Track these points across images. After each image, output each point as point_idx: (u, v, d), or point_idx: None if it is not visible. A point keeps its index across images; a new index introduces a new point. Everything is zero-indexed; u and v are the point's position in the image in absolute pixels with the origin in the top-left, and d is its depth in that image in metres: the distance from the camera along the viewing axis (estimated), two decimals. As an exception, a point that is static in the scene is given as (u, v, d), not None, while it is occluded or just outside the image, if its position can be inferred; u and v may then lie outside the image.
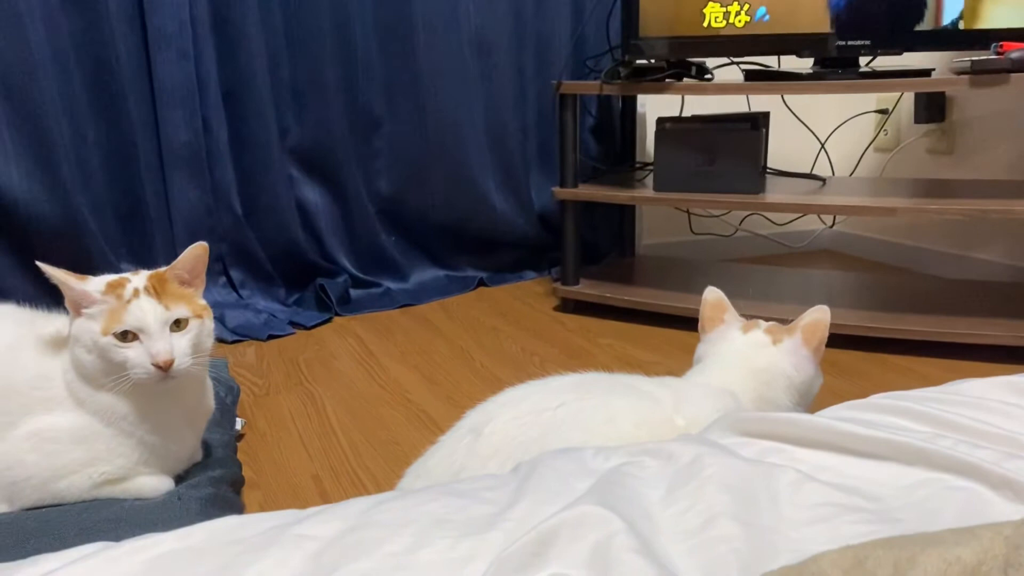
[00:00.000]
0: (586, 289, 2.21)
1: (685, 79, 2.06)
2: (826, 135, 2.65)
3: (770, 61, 2.18)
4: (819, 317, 1.18)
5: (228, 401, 1.47)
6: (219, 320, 2.05)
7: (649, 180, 2.22)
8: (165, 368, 1.04)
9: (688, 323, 1.80)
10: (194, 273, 1.12)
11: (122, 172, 2.07)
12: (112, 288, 1.06)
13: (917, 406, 0.81)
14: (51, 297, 1.12)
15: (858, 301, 2.14)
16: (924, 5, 1.84)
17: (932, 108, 2.45)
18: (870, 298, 2.17)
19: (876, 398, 0.87)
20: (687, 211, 2.73)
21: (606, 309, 2.17)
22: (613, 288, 2.21)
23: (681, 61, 2.04)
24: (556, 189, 2.19)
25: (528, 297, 2.39)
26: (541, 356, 1.90)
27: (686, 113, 2.41)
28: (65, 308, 1.08)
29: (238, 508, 1.19)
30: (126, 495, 1.09)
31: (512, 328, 2.11)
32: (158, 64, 2.01)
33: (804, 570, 0.50)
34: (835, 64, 1.95)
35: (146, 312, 1.04)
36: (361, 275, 2.39)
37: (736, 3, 1.94)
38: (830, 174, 2.61)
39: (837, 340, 1.34)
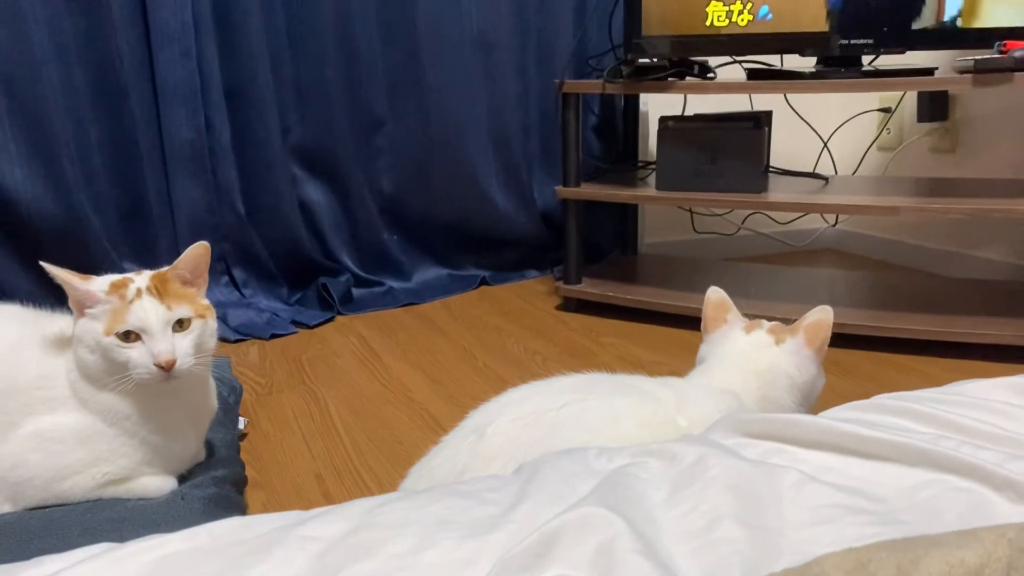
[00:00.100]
0: (588, 288, 2.21)
1: (688, 78, 2.05)
2: (829, 134, 2.65)
3: (773, 60, 2.18)
4: (822, 317, 1.18)
5: (231, 400, 1.47)
6: (222, 319, 2.05)
7: (651, 179, 2.21)
8: (167, 368, 1.04)
9: (690, 322, 1.80)
10: (196, 273, 1.12)
11: (124, 171, 2.07)
12: (115, 288, 1.06)
13: (920, 407, 0.81)
14: (54, 297, 1.12)
15: (861, 300, 2.14)
16: (924, 2, 1.83)
17: (935, 107, 2.44)
18: (873, 297, 2.17)
19: (879, 399, 0.87)
20: (689, 210, 2.73)
21: (608, 308, 2.17)
22: (615, 287, 2.21)
23: (684, 60, 2.04)
24: (558, 188, 2.19)
25: (530, 296, 2.39)
26: (543, 355, 1.90)
27: (689, 112, 2.41)
28: (69, 308, 1.08)
29: (241, 508, 1.19)
30: (130, 495, 1.10)
31: (514, 327, 2.11)
32: (160, 63, 2.01)
33: (807, 572, 0.50)
34: (838, 63, 1.95)
35: (148, 312, 1.04)
36: (363, 274, 2.39)
37: (739, 2, 1.93)
38: (833, 173, 2.61)
39: (839, 339, 1.34)
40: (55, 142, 1.90)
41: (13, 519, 1.04)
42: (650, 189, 2.15)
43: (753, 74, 2.07)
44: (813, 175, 2.31)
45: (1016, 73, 1.67)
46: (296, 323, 2.16)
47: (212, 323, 1.12)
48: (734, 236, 2.80)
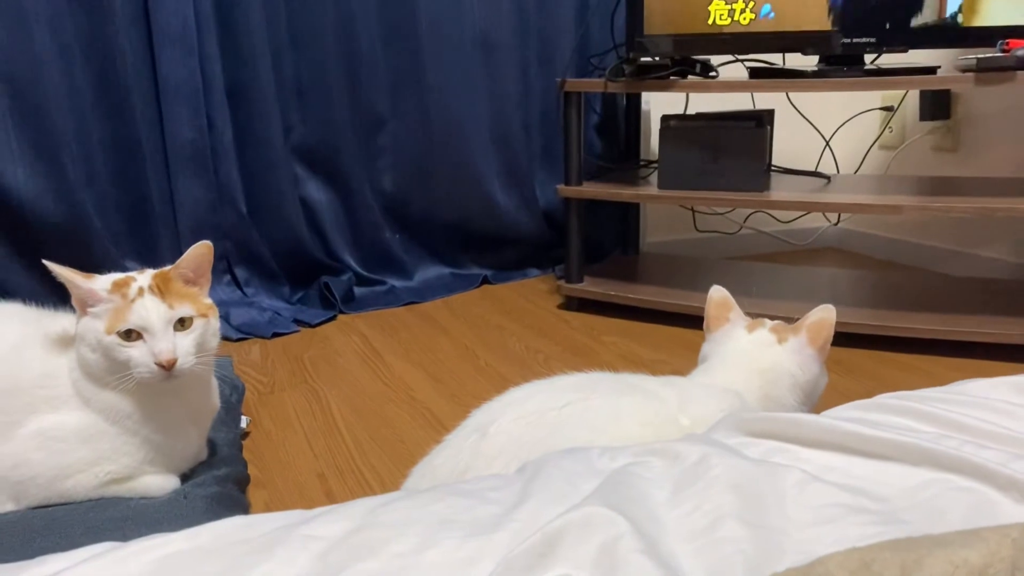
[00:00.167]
0: (590, 287, 2.21)
1: (690, 77, 2.05)
2: (831, 132, 2.64)
3: (775, 59, 2.18)
4: (824, 316, 1.18)
5: (233, 399, 1.47)
6: (224, 318, 2.05)
7: (653, 178, 2.21)
8: (168, 367, 1.04)
9: (692, 321, 1.80)
10: (199, 272, 1.12)
11: (127, 170, 2.07)
12: (118, 287, 1.06)
13: (922, 406, 0.81)
14: (57, 296, 1.12)
15: (863, 299, 2.14)
16: (925, 0, 1.83)
17: (937, 105, 2.44)
18: (875, 296, 2.17)
19: (881, 398, 0.87)
20: (691, 209, 2.73)
21: (610, 307, 2.17)
22: (617, 286, 2.21)
23: (686, 58, 2.04)
24: (560, 187, 2.19)
25: (532, 295, 2.39)
26: (545, 354, 1.90)
27: (691, 111, 2.40)
28: (71, 307, 1.09)
29: (244, 507, 1.19)
30: (132, 494, 1.10)
31: (516, 326, 2.11)
32: (163, 62, 2.01)
33: (810, 572, 0.50)
34: (840, 61, 1.94)
35: (150, 311, 1.04)
36: (365, 273, 2.39)
37: (741, 0, 1.93)
38: (835, 171, 2.60)
39: (842, 338, 1.34)
40: (57, 141, 1.90)
41: (16, 518, 1.04)
42: (652, 188, 2.14)
43: (755, 73, 2.07)
44: (815, 174, 2.31)
45: (1018, 72, 1.66)
46: (298, 322, 2.16)
47: (214, 322, 1.12)
48: (736, 235, 2.80)
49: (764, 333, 1.20)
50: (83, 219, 1.96)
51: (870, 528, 0.61)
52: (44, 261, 1.05)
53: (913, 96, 2.53)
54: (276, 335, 2.08)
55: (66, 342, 1.10)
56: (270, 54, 2.15)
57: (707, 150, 2.02)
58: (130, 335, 1.04)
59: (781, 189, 2.06)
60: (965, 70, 1.74)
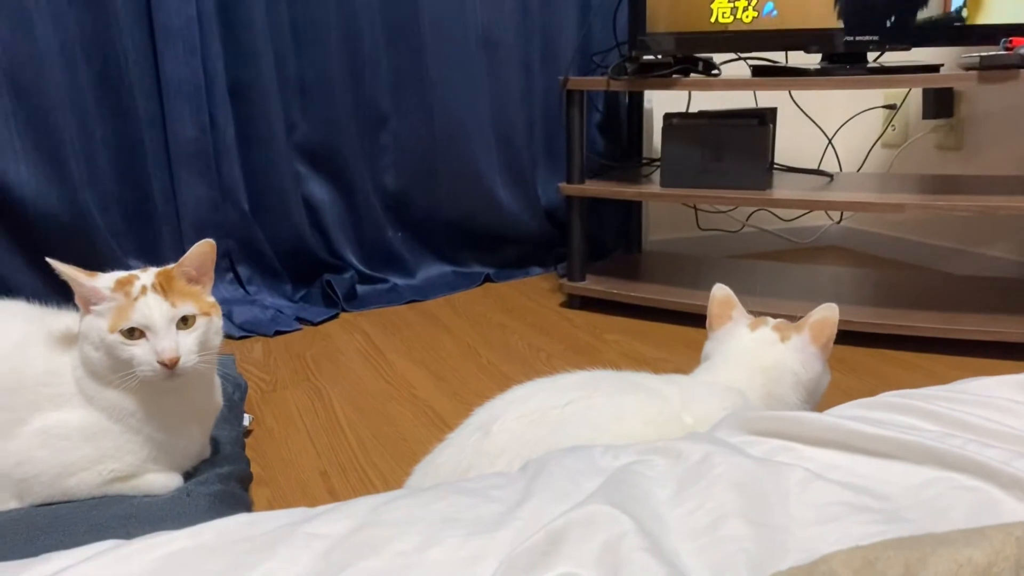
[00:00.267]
0: (592, 285, 2.21)
1: (692, 75, 2.05)
2: (834, 131, 2.64)
3: (777, 57, 2.17)
4: (827, 315, 1.18)
5: (236, 397, 1.47)
6: (226, 316, 2.05)
7: (656, 176, 2.21)
8: (170, 366, 1.04)
9: (695, 319, 1.80)
10: (202, 270, 1.12)
11: (129, 168, 2.08)
12: (121, 285, 1.06)
13: (926, 404, 0.81)
14: (61, 294, 1.12)
15: (866, 297, 2.14)
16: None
17: (940, 104, 2.44)
18: (878, 294, 2.17)
19: (884, 396, 0.86)
20: (694, 207, 2.73)
21: (612, 305, 2.17)
22: (620, 284, 2.21)
23: (688, 57, 2.04)
24: (562, 185, 2.19)
25: (534, 293, 2.39)
26: (548, 352, 1.90)
27: (693, 109, 2.40)
28: (75, 305, 1.09)
29: (246, 505, 1.19)
30: (135, 492, 1.10)
31: (518, 324, 2.11)
32: (165, 60, 2.02)
33: (814, 570, 0.50)
34: (843, 60, 1.94)
35: (152, 310, 1.04)
36: (368, 271, 2.39)
37: (744, -2, 1.93)
38: (838, 170, 2.60)
39: (845, 336, 1.34)
40: (60, 139, 1.91)
41: (19, 515, 1.04)
42: (654, 186, 2.14)
43: (758, 71, 2.07)
44: (818, 172, 2.30)
45: (1022, 70, 1.66)
46: (300, 320, 2.16)
47: (217, 320, 1.12)
48: (738, 233, 2.80)
49: (767, 331, 1.20)
50: (86, 217, 1.96)
51: (873, 527, 0.61)
52: (48, 259, 1.05)
53: (916, 94, 2.52)
54: (278, 333, 2.08)
55: (69, 340, 1.10)
56: (272, 52, 2.15)
57: (709, 148, 2.02)
58: (133, 333, 1.04)
59: (784, 187, 2.06)
60: (968, 68, 1.73)
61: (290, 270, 2.30)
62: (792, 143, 2.47)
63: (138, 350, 1.04)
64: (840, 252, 2.82)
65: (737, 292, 1.27)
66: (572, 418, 0.99)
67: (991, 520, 0.57)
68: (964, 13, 1.80)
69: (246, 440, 1.45)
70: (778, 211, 2.79)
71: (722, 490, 0.66)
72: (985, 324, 1.78)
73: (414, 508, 0.68)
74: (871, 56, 1.99)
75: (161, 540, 0.64)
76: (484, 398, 1.07)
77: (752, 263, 2.58)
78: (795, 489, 0.67)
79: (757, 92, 2.43)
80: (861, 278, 2.38)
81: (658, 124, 2.24)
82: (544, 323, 2.12)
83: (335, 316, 2.21)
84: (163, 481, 1.12)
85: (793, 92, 2.48)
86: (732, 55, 2.15)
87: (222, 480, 1.16)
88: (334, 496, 1.29)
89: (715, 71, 2.10)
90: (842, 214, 2.84)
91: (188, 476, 1.16)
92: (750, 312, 1.26)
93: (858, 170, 2.70)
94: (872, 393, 0.89)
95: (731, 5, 1.94)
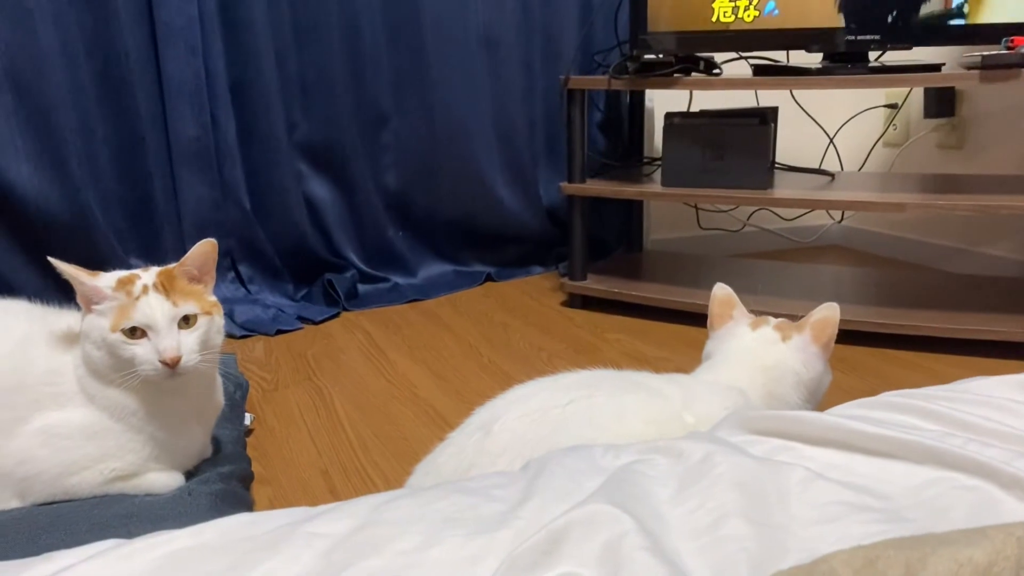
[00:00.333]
0: (594, 284, 2.21)
1: (693, 74, 2.05)
2: (835, 130, 2.64)
3: (779, 56, 2.17)
4: (828, 314, 1.18)
5: (237, 396, 1.47)
6: (228, 315, 2.04)
7: (657, 175, 2.21)
8: (172, 365, 1.04)
9: (696, 319, 1.80)
10: (204, 270, 1.12)
11: (131, 167, 2.08)
12: (123, 284, 1.06)
13: (926, 404, 0.81)
14: (63, 293, 1.12)
15: (867, 297, 2.14)
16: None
17: (942, 103, 2.43)
18: (879, 294, 2.17)
19: (885, 396, 0.87)
20: (695, 206, 2.73)
21: (614, 304, 2.17)
22: (621, 283, 2.21)
23: (689, 56, 2.04)
24: (563, 184, 2.19)
25: (536, 292, 2.39)
26: (549, 351, 1.90)
27: (694, 108, 2.40)
28: (76, 304, 1.09)
29: (248, 504, 1.19)
30: (137, 491, 1.10)
31: (520, 323, 2.11)
32: (166, 59, 2.02)
33: (815, 570, 0.50)
34: (844, 59, 1.94)
35: (154, 309, 1.04)
36: (369, 270, 2.39)
37: (745, -2, 1.93)
38: (839, 169, 2.60)
39: (846, 336, 1.34)
40: (61, 138, 1.91)
41: (21, 515, 1.04)
42: (655, 185, 2.14)
43: (759, 70, 2.07)
44: (819, 171, 2.30)
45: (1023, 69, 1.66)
46: (302, 319, 2.16)
47: (219, 320, 1.12)
48: (739, 232, 2.80)
49: (768, 331, 1.20)
50: (87, 216, 1.96)
51: (874, 526, 0.61)
52: (49, 258, 1.05)
53: (917, 93, 2.52)
54: (280, 332, 2.08)
55: (71, 339, 1.10)
56: (274, 51, 2.15)
57: (711, 147, 2.02)
58: (135, 332, 1.04)
59: (785, 187, 2.06)
60: (970, 67, 1.73)
61: (291, 269, 2.30)
62: (793, 142, 2.47)
63: (140, 349, 1.04)
64: (841, 251, 2.82)
65: (738, 291, 1.27)
66: (573, 417, 0.99)
67: (992, 520, 0.57)
68: (966, 12, 1.80)
69: (247, 439, 1.45)
70: (779, 210, 2.79)
71: (723, 489, 0.66)
72: (986, 323, 1.78)
73: (415, 507, 0.68)
74: (872, 55, 1.98)
75: (162, 539, 0.64)
76: (485, 397, 1.07)
77: (753, 262, 2.58)
78: (796, 489, 0.67)
79: (758, 91, 2.43)
80: (862, 277, 2.38)
81: (659, 123, 2.24)
82: (545, 322, 2.12)
83: (336, 315, 2.21)
84: (165, 480, 1.12)
85: (794, 91, 2.47)
86: (733, 54, 2.15)
87: (223, 479, 1.16)
88: (335, 495, 1.29)
89: (716, 70, 2.10)
90: (843, 213, 2.84)
91: (190, 475, 1.17)
92: (751, 311, 1.26)
93: (859, 169, 2.70)
94: (873, 392, 0.89)
95: (732, 4, 1.94)
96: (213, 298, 1.13)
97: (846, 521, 0.62)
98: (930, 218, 2.56)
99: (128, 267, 1.14)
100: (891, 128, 2.65)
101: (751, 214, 2.79)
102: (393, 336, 2.04)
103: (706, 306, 1.27)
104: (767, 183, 2.02)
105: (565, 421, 0.98)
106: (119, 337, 1.03)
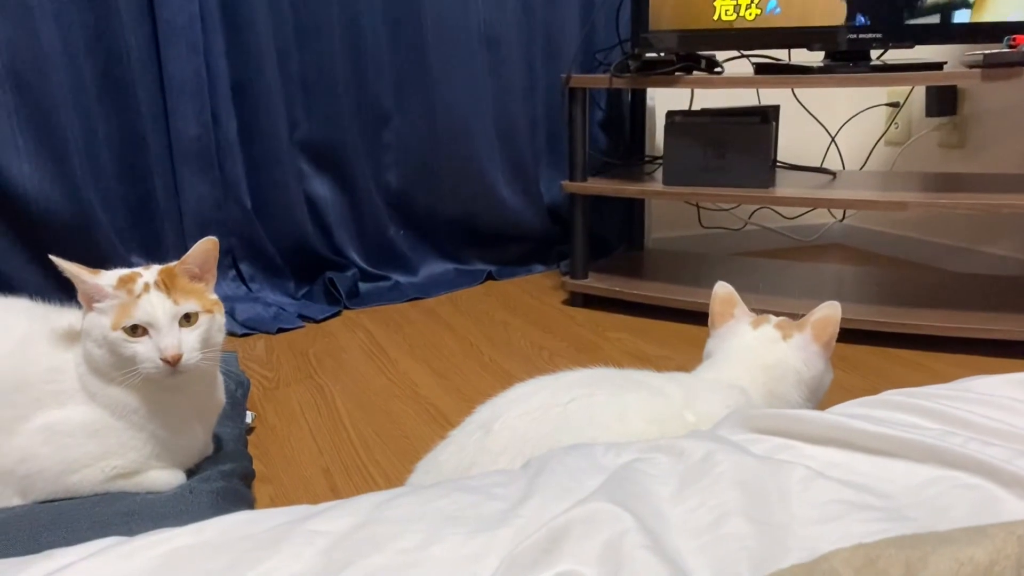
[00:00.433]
0: (595, 283, 2.21)
1: (695, 72, 2.05)
2: (836, 129, 2.64)
3: (780, 54, 2.17)
4: (829, 313, 1.18)
5: (238, 395, 1.47)
6: (229, 313, 2.03)
7: (658, 174, 2.21)
8: (173, 363, 1.04)
9: (697, 317, 1.80)
10: (205, 268, 1.12)
11: (132, 166, 2.08)
12: (124, 283, 1.06)
13: (927, 403, 0.81)
14: (64, 291, 1.12)
15: (868, 295, 2.14)
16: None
17: (944, 102, 2.43)
18: (880, 292, 2.17)
19: (886, 395, 0.86)
20: (696, 205, 2.73)
21: (615, 303, 2.16)
22: (622, 282, 2.21)
23: (691, 54, 2.04)
24: (565, 183, 2.19)
25: (537, 291, 2.39)
26: (550, 350, 1.90)
27: (696, 106, 2.40)
28: (78, 302, 1.09)
29: (249, 502, 1.20)
30: (138, 489, 1.10)
31: (521, 322, 2.11)
32: (168, 58, 2.02)
33: (815, 568, 0.50)
34: (846, 57, 1.94)
35: (155, 307, 1.04)
36: (370, 268, 2.40)
37: (746, -4, 1.93)
38: (840, 168, 2.60)
39: (847, 335, 1.34)
40: (63, 137, 1.91)
41: (23, 512, 1.04)
42: (657, 184, 2.14)
43: (760, 68, 2.07)
44: (820, 170, 2.30)
45: (1026, 67, 1.66)
46: (303, 317, 2.16)
47: (220, 318, 1.12)
48: (741, 231, 2.80)
49: (769, 329, 1.20)
50: (89, 214, 1.96)
51: (875, 525, 0.61)
52: (50, 256, 1.05)
53: (919, 92, 2.52)
54: (281, 331, 2.08)
55: (72, 337, 1.10)
56: (275, 50, 2.15)
57: (712, 146, 2.02)
58: (136, 331, 1.04)
59: (786, 185, 2.06)
60: (972, 66, 1.73)
61: (292, 267, 2.30)
62: (795, 141, 2.47)
63: (141, 347, 1.04)
64: (843, 250, 2.82)
65: (739, 290, 1.27)
66: (574, 416, 0.99)
67: (992, 518, 0.57)
68: (968, 10, 1.80)
69: (248, 437, 1.45)
70: (781, 209, 2.79)
71: (724, 488, 0.66)
72: (988, 322, 1.78)
73: (416, 505, 0.68)
74: (874, 54, 1.98)
75: (163, 537, 0.64)
76: (486, 396, 1.07)
77: (754, 261, 2.58)
78: (797, 487, 0.67)
79: (760, 90, 2.42)
80: (863, 276, 2.38)
81: (660, 122, 2.24)
82: (546, 321, 2.12)
83: (337, 313, 2.21)
84: (166, 478, 1.12)
85: (796, 90, 2.47)
86: (735, 52, 2.15)
87: (225, 477, 1.16)
88: (336, 493, 1.29)
89: (718, 69, 2.10)
90: (845, 212, 2.84)
91: (191, 473, 1.17)
92: (752, 310, 1.26)
93: (861, 168, 2.70)
94: (874, 391, 0.89)
95: (734, 2, 1.94)
96: (214, 296, 1.13)
97: (847, 520, 0.62)
98: (932, 217, 2.56)
99: (129, 265, 1.14)
100: (893, 127, 2.65)
101: (752, 213, 2.79)
102: (394, 334, 2.04)
103: (707, 305, 1.27)
104: (768, 182, 2.02)
105: (566, 419, 0.98)
106: (120, 335, 1.03)
